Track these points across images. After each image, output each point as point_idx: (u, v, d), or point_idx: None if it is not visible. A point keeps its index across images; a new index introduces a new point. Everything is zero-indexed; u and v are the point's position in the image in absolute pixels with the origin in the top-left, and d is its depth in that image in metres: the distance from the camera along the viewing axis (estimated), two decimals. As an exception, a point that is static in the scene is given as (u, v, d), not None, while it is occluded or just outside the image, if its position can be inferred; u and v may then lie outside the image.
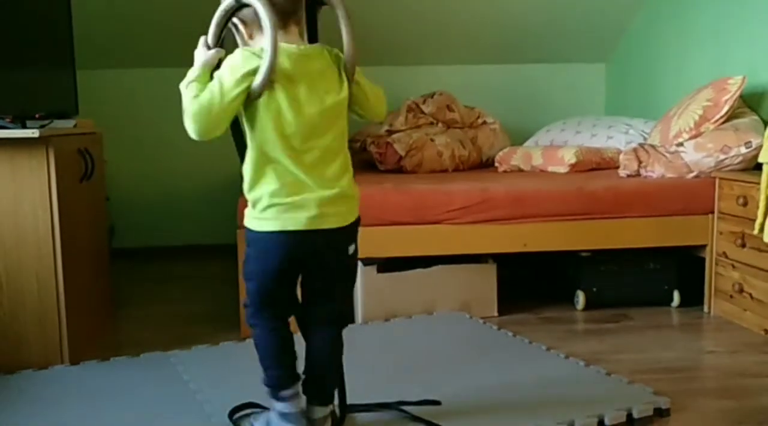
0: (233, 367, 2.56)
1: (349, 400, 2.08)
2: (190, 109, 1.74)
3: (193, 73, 1.79)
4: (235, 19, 1.81)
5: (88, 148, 2.93)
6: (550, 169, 3.76)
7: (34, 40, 2.84)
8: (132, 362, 2.64)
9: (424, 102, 4.27)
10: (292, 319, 1.96)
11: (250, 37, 1.82)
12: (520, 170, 3.90)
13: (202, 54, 1.81)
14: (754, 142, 3.14)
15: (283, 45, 1.75)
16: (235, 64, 1.74)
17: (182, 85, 1.79)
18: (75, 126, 2.93)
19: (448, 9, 4.42)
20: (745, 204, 2.97)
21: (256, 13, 1.73)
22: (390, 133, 4.13)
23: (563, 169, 3.70)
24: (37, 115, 2.77)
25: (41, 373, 2.49)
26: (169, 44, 4.46)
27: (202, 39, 1.82)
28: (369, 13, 4.27)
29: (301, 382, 1.94)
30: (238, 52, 1.77)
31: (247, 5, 1.75)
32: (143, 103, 4.67)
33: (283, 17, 1.77)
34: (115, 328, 3.17)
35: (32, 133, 2.40)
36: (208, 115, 1.72)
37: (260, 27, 1.73)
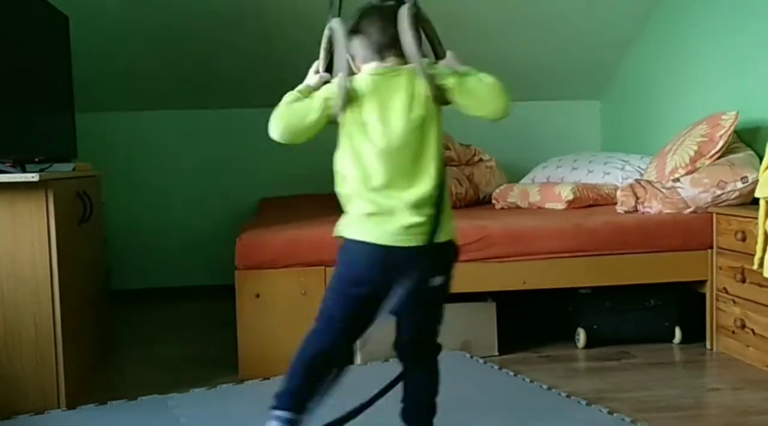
0: (231, 411, 2.54)
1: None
2: (279, 110, 1.90)
3: (297, 89, 1.95)
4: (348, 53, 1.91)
5: (87, 191, 2.94)
6: (548, 205, 3.76)
7: (34, 84, 2.86)
8: (129, 406, 2.61)
9: (420, 141, 4.28)
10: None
11: (358, 68, 1.92)
12: (518, 207, 3.90)
13: (309, 77, 1.98)
14: (750, 177, 3.15)
15: (365, 69, 1.89)
16: (324, 92, 1.89)
17: (285, 99, 1.92)
18: (74, 169, 2.94)
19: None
20: (743, 239, 2.97)
21: (355, 46, 1.89)
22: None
23: (561, 206, 3.70)
24: (36, 159, 2.79)
25: (38, 419, 2.46)
26: (167, 87, 4.51)
27: (314, 65, 1.98)
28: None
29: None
30: (333, 81, 1.90)
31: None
32: (141, 145, 4.70)
33: (380, 50, 1.88)
34: (112, 371, 3.14)
35: (32, 177, 2.41)
36: (293, 119, 1.88)
37: (363, 59, 1.89)
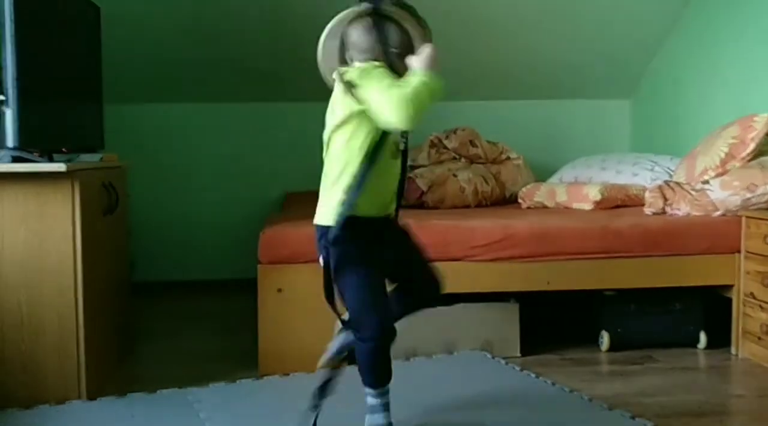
0: (251, 406, 2.54)
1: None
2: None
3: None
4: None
5: (113, 182, 2.96)
6: (575, 206, 3.73)
7: (63, 74, 2.88)
8: (149, 399, 2.63)
9: (447, 137, 4.27)
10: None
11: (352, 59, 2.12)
12: (544, 207, 3.87)
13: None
14: (782, 181, 3.09)
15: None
16: None
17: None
18: (101, 160, 2.96)
19: (472, 46, 4.43)
20: (773, 244, 2.92)
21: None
22: (412, 168, 4.12)
23: (588, 206, 3.66)
24: (64, 149, 2.81)
25: (58, 409, 2.49)
26: (195, 80, 4.52)
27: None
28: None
29: None
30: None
31: None
32: (168, 138, 4.73)
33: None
34: (133, 363, 3.17)
35: (59, 167, 2.44)
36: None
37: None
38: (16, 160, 2.47)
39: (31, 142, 2.53)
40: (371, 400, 2.12)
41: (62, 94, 2.88)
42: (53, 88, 2.77)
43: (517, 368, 2.94)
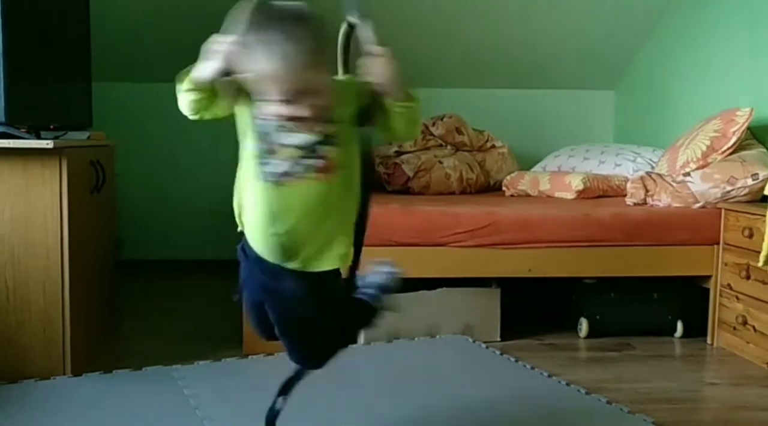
0: (234, 384, 2.57)
1: (343, 420, 2.05)
2: None
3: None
4: None
5: (100, 160, 2.97)
6: (557, 194, 3.77)
7: (52, 51, 2.88)
8: (133, 375, 2.65)
9: (433, 124, 4.30)
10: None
11: None
12: (527, 195, 3.91)
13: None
14: (761, 174, 3.14)
15: None
16: None
17: None
18: (88, 138, 2.96)
19: (460, 34, 4.45)
20: (750, 236, 2.97)
21: None
22: (398, 154, 4.15)
23: (570, 196, 3.71)
24: (51, 127, 2.80)
25: (43, 384, 2.51)
26: (185, 60, 4.50)
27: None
28: (381, 36, 4.30)
29: None
30: None
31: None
32: (156, 117, 4.70)
33: None
34: (119, 340, 3.18)
35: (46, 143, 2.43)
36: None
37: None
38: (2, 136, 2.46)
39: (18, 119, 2.52)
40: None
41: (50, 71, 2.87)
42: (41, 64, 2.77)
43: (497, 352, 2.98)
